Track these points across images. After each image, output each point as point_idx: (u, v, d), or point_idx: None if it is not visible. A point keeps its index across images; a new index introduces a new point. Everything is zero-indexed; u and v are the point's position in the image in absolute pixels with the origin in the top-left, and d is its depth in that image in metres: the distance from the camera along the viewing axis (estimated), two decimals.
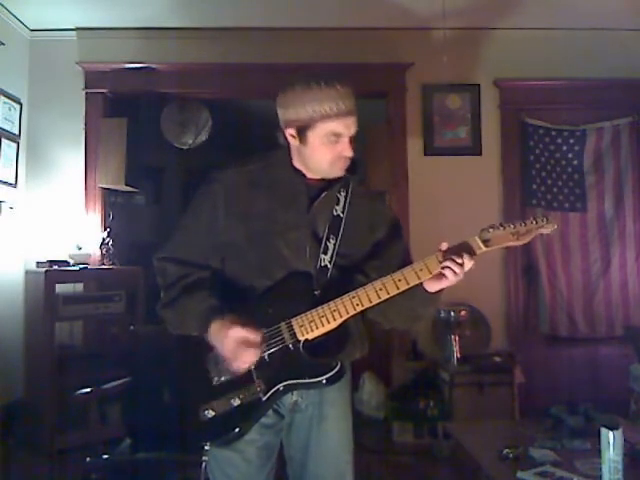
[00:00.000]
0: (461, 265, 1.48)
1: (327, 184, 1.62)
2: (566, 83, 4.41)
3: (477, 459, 2.32)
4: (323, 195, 1.62)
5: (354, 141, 1.58)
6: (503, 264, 4.37)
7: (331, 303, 1.53)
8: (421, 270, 1.51)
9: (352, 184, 1.68)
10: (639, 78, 4.38)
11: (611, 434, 1.79)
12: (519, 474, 2.07)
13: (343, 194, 1.66)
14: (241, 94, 4.72)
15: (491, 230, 1.52)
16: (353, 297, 1.53)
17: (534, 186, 4.43)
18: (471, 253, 1.50)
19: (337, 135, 1.54)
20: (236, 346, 1.48)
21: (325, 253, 1.60)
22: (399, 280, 1.52)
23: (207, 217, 1.63)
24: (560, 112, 4.48)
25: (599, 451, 1.84)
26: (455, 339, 3.82)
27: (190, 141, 4.74)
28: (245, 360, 1.49)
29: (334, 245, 1.60)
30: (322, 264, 1.59)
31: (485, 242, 1.51)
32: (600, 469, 1.85)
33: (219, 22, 4.23)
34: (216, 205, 1.62)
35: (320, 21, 4.24)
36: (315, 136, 1.54)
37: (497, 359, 3.85)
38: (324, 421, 1.66)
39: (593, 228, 4.46)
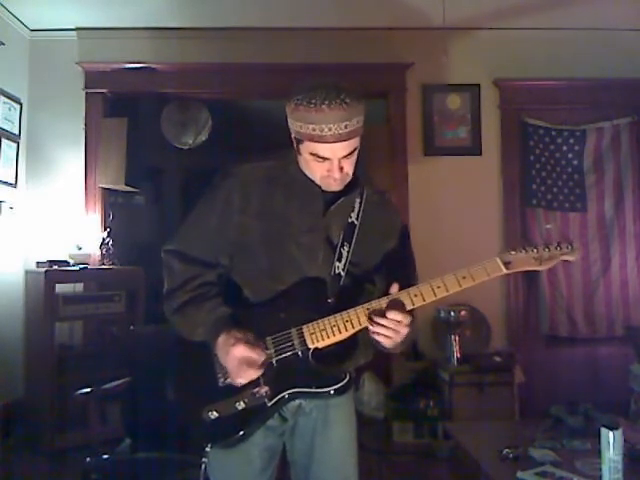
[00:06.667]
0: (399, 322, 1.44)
1: (344, 190, 1.57)
2: (566, 83, 4.41)
3: (477, 459, 2.32)
4: (340, 200, 1.57)
5: (345, 161, 1.50)
6: None
7: (344, 313, 1.50)
8: (439, 287, 1.48)
9: (367, 192, 1.65)
10: (639, 78, 4.38)
11: (611, 434, 1.79)
12: (519, 474, 2.07)
13: (358, 201, 1.62)
14: (241, 94, 4.72)
15: (513, 252, 1.49)
16: (367, 308, 1.50)
17: (534, 186, 4.42)
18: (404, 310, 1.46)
19: (322, 157, 1.49)
20: (238, 364, 1.46)
21: (339, 260, 1.56)
22: (415, 296, 1.49)
23: (219, 212, 1.58)
24: (560, 112, 4.48)
25: (599, 451, 1.84)
26: (455, 339, 3.83)
27: (190, 141, 4.74)
28: (244, 378, 1.48)
29: (348, 252, 1.57)
30: (336, 271, 1.56)
31: (506, 264, 1.48)
32: (600, 469, 1.85)
33: (219, 22, 4.22)
34: (230, 200, 1.57)
35: (320, 21, 4.23)
36: (304, 151, 1.51)
37: (497, 359, 3.85)
38: (329, 425, 1.64)
39: (593, 228, 4.45)
